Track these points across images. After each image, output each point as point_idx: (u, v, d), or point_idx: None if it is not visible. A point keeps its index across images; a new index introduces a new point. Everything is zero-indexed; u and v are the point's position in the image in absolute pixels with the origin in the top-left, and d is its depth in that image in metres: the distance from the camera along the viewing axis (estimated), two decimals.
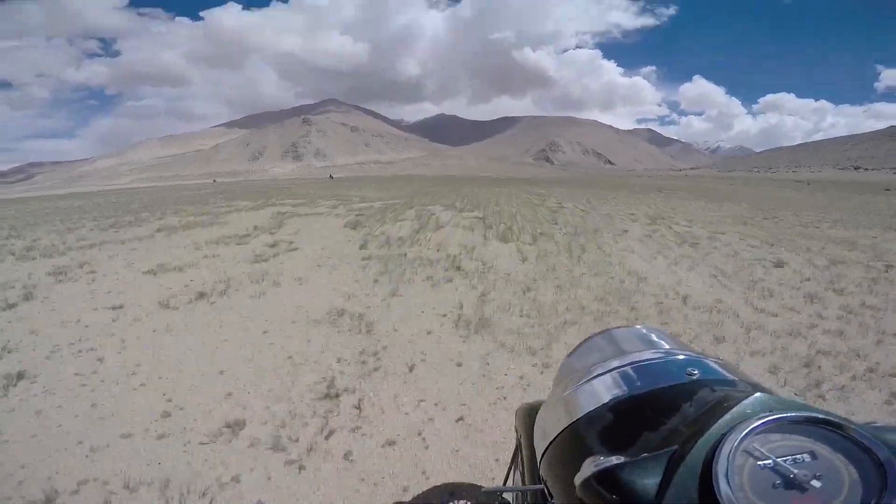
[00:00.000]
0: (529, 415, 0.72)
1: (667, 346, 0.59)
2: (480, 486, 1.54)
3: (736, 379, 0.48)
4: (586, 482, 0.36)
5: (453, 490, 1.65)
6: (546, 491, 0.50)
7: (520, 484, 0.75)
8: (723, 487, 0.32)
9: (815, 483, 0.32)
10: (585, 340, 0.69)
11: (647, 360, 0.53)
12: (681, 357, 0.53)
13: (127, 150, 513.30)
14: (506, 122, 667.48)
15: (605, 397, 0.49)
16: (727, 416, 0.38)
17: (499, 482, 1.59)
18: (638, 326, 0.69)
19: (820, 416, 0.37)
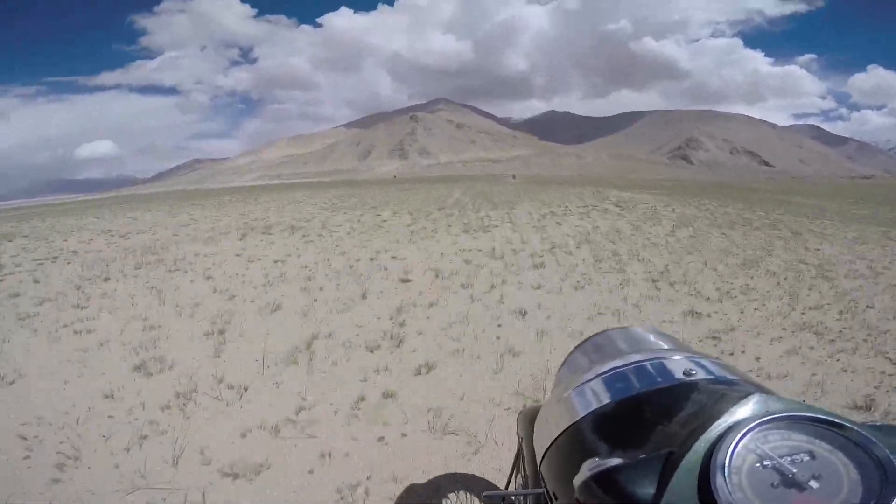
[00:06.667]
0: (530, 418, 0.70)
1: (665, 346, 0.60)
2: (486, 481, 1.49)
3: (735, 378, 0.49)
4: (585, 484, 0.37)
5: (454, 482, 1.53)
6: (547, 493, 0.51)
7: (521, 487, 0.78)
8: (721, 487, 0.32)
9: (814, 483, 0.33)
10: (583, 342, 0.69)
11: (646, 360, 0.53)
12: (679, 357, 0.53)
13: (261, 148, 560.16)
14: (629, 117, 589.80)
15: (604, 399, 0.50)
16: (725, 416, 0.38)
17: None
18: (636, 327, 0.69)
19: (819, 415, 0.37)
